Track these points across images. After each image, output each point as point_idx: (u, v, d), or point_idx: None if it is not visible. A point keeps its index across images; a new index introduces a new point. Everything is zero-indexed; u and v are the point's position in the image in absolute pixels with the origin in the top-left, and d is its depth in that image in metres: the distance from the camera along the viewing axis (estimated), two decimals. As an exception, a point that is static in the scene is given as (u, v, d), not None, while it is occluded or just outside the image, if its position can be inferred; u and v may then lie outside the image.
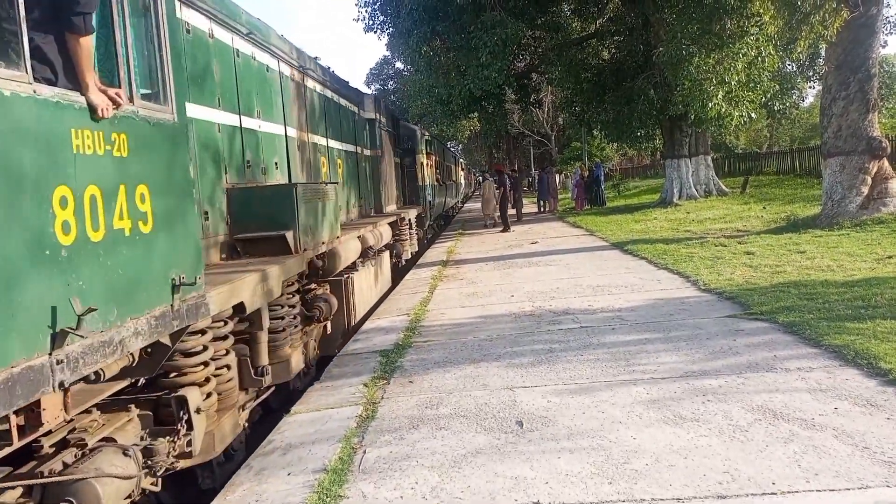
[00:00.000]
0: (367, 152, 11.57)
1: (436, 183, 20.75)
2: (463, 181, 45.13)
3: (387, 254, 10.74)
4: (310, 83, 8.22)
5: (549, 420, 4.17)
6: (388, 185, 13.27)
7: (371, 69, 65.69)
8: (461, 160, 50.20)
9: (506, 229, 19.07)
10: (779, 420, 3.83)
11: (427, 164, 18.35)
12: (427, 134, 20.31)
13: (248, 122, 5.95)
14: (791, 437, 3.59)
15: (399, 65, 58.24)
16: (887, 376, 4.30)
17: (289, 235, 5.49)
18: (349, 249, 7.27)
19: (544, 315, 7.25)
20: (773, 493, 3.02)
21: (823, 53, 15.92)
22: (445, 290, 9.72)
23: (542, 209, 26.94)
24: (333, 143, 9.20)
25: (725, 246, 11.07)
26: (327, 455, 3.95)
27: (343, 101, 10.19)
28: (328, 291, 6.88)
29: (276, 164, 6.63)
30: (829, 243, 10.26)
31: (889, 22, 25.87)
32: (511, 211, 20.80)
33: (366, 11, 23.03)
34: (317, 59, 8.87)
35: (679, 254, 10.61)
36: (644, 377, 4.81)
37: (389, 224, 10.92)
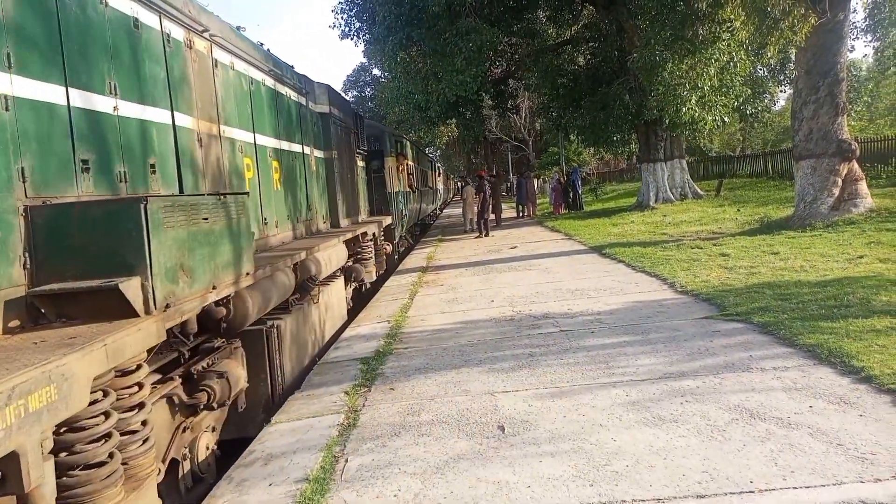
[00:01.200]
0: (317, 153, 9.40)
1: (409, 189, 19.12)
2: (442, 187, 44.82)
3: (340, 281, 8.79)
4: (223, 56, 6.17)
5: (531, 424, 4.19)
6: (348, 192, 11.00)
7: (348, 76, 65.62)
8: (439, 166, 48.47)
9: (485, 234, 19.13)
10: (755, 419, 3.89)
11: (398, 169, 16.92)
12: (400, 135, 19.38)
13: (89, 100, 3.91)
14: (768, 436, 3.64)
15: (376, 71, 58.32)
16: (860, 374, 4.39)
17: (129, 286, 3.22)
18: (271, 288, 5.42)
19: (524, 319, 7.29)
20: (750, 492, 3.07)
21: (794, 58, 16.22)
22: (426, 296, 9.72)
23: (520, 214, 27.07)
24: (265, 140, 7.16)
25: (701, 248, 11.22)
26: (309, 464, 3.93)
27: (284, 89, 8.07)
28: (234, 352, 4.94)
29: (152, 166, 4.55)
30: (802, 244, 10.44)
31: (856, 27, 26.44)
32: (490, 216, 20.81)
33: (342, 18, 23.01)
34: (240, 29, 7.02)
35: (656, 256, 10.73)
36: (623, 379, 4.86)
37: (347, 241, 9.12)
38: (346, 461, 3.94)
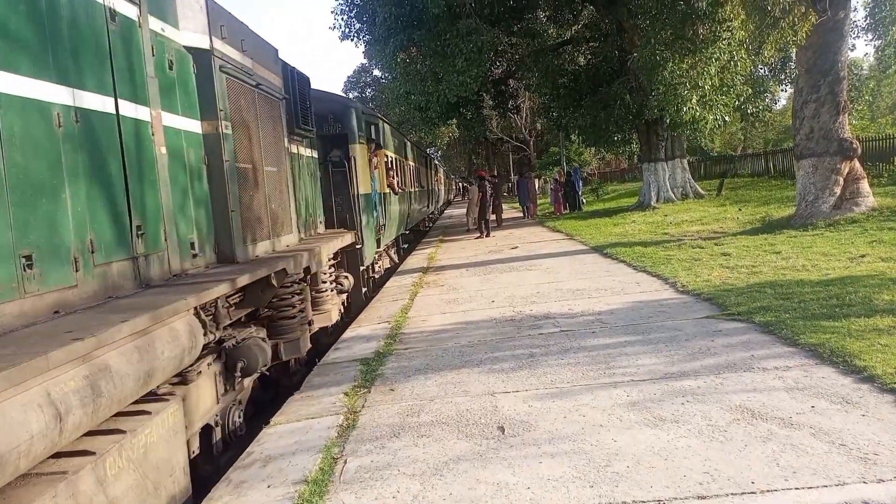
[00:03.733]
0: (177, 121, 5.01)
1: (392, 190, 14.01)
2: (443, 188, 44.43)
3: (196, 391, 4.37)
4: None
5: (531, 425, 4.16)
6: (268, 198, 6.49)
7: (349, 77, 65.64)
8: (437, 163, 42.16)
9: (486, 235, 19.09)
10: (757, 419, 3.86)
11: (373, 163, 11.66)
12: (376, 115, 13.53)
13: None
14: (769, 437, 3.62)
15: (377, 72, 58.32)
16: (862, 374, 4.36)
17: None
18: None
19: (525, 320, 7.26)
20: (752, 493, 3.04)
21: (794, 57, 16.19)
22: (426, 296, 9.70)
23: (524, 215, 27.04)
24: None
25: (702, 248, 11.19)
26: (308, 466, 3.91)
27: None
28: None
29: None
30: (804, 243, 10.41)
31: (856, 26, 26.39)
32: (491, 216, 20.77)
33: (342, 19, 22.99)
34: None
35: (657, 256, 10.71)
36: (624, 380, 4.83)
37: (205, 307, 4.39)
38: (345, 462, 3.91)
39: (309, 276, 6.71)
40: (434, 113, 23.07)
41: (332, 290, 7.90)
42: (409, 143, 21.18)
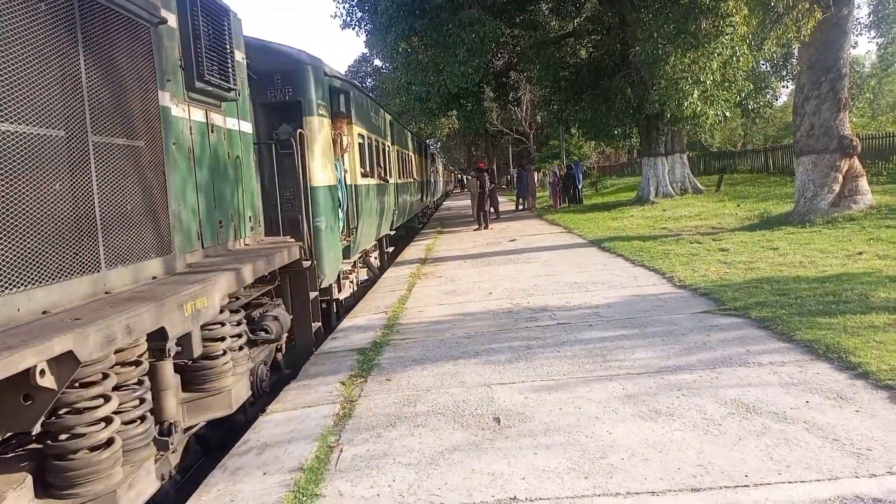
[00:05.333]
0: None
1: (371, 181, 11.09)
2: (441, 180, 44.08)
3: None
4: None
5: (526, 416, 4.18)
6: (126, 195, 3.76)
7: (349, 66, 65.41)
8: (434, 152, 38.53)
9: (483, 227, 19.07)
10: (751, 414, 3.88)
11: (341, 144, 8.80)
12: (348, 82, 9.87)
13: None
14: (763, 431, 3.64)
15: (378, 62, 58.14)
16: (856, 370, 4.38)
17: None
18: None
19: (522, 312, 7.28)
20: (745, 486, 3.06)
21: (796, 53, 16.16)
22: (423, 287, 9.71)
23: (519, 207, 27.03)
24: None
25: (700, 243, 11.20)
26: (304, 454, 3.93)
27: None
28: None
29: None
30: (802, 240, 10.42)
31: (859, 23, 26.33)
32: (490, 209, 20.72)
33: (343, 8, 22.91)
34: None
35: (655, 251, 10.72)
36: (620, 373, 4.85)
37: None
38: (341, 451, 3.93)
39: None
40: (434, 104, 23.01)
41: (240, 349, 4.86)
42: (399, 126, 18.10)
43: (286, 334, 6.14)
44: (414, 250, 15.57)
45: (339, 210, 8.59)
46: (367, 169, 10.82)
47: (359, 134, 10.23)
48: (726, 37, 16.20)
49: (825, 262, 8.41)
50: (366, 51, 60.72)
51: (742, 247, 10.34)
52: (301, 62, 7.84)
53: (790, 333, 5.32)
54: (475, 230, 18.93)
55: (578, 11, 25.65)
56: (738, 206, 17.32)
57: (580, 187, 26.63)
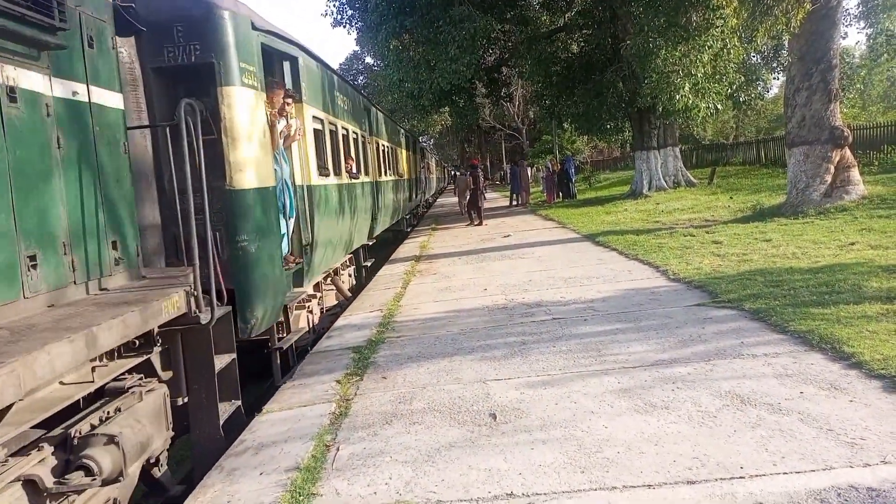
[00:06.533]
0: None
1: (335, 180, 8.74)
2: (434, 177, 44.01)
3: None
4: None
5: (523, 412, 4.18)
6: None
7: (341, 64, 65.23)
8: (427, 149, 38.10)
9: (474, 223, 19.09)
10: (746, 405, 3.89)
11: (285, 128, 6.56)
12: (294, 44, 7.18)
13: None
14: (758, 422, 3.65)
15: (369, 60, 58.02)
16: (850, 360, 4.40)
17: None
18: None
19: (517, 308, 7.28)
20: (741, 477, 3.07)
21: (787, 45, 16.22)
22: (419, 284, 9.70)
23: (513, 203, 27.04)
24: None
25: (694, 236, 11.23)
26: (300, 453, 3.92)
27: None
28: None
29: None
30: (794, 231, 10.46)
31: (849, 14, 26.43)
32: (483, 204, 20.70)
33: (334, 6, 22.86)
34: None
35: (649, 244, 10.74)
36: (615, 367, 4.86)
37: None
38: (338, 450, 3.93)
39: None
40: (426, 101, 22.98)
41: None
42: (379, 114, 15.51)
43: (169, 433, 3.97)
44: (408, 247, 15.56)
45: (283, 221, 6.31)
46: (329, 164, 8.44)
47: (314, 117, 7.85)
48: (717, 29, 16.24)
49: (818, 252, 8.44)
50: (357, 48, 60.58)
51: (735, 239, 10.38)
52: (213, 5, 5.36)
53: (784, 325, 5.33)
54: (467, 226, 18.97)
55: (569, 6, 25.65)
56: (731, 198, 17.38)
57: (573, 182, 26.65)
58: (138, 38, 4.93)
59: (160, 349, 3.92)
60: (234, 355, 4.76)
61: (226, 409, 4.63)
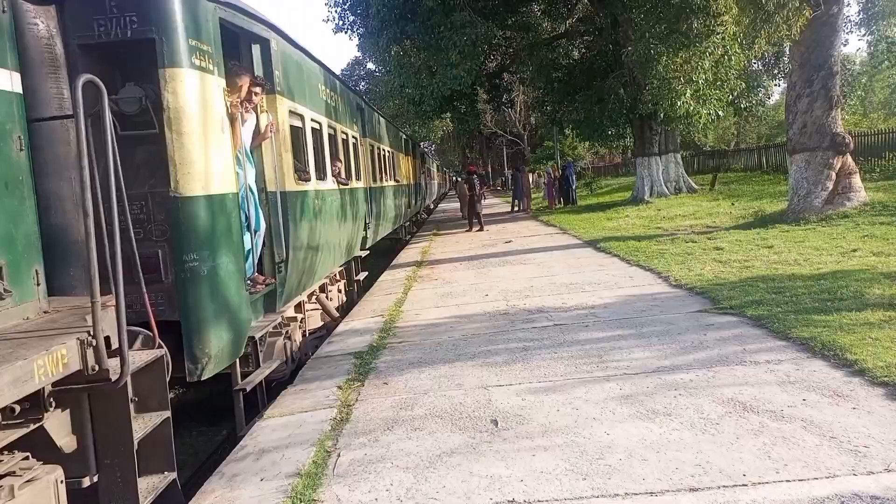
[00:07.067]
0: None
1: (316, 185, 7.56)
2: (435, 182, 44.00)
3: None
4: None
5: (524, 418, 4.17)
6: None
7: (342, 70, 65.35)
8: (428, 155, 37.47)
9: (473, 229, 19.10)
10: (749, 412, 3.88)
11: (253, 123, 5.69)
12: (265, 23, 6.01)
13: None
14: (761, 429, 3.64)
15: (371, 65, 58.12)
16: (853, 367, 4.39)
17: None
18: None
19: (518, 313, 7.27)
20: (744, 485, 3.06)
21: (787, 52, 16.23)
22: (420, 290, 9.70)
23: (515, 208, 27.03)
24: None
25: (695, 242, 11.22)
26: (301, 459, 3.91)
27: None
28: None
29: None
30: (796, 238, 10.46)
31: (850, 21, 26.46)
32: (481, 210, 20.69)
33: (335, 11, 22.91)
34: None
35: (650, 250, 10.73)
36: (617, 373, 4.85)
37: None
38: (339, 456, 3.92)
39: None
40: (428, 106, 22.97)
41: None
42: (373, 113, 14.55)
43: None
44: (410, 253, 15.56)
45: (249, 235, 5.42)
46: (310, 168, 7.39)
47: (292, 112, 6.76)
48: (718, 36, 16.24)
49: (820, 259, 8.43)
50: (359, 54, 60.72)
51: (737, 245, 10.37)
52: None
53: (786, 331, 5.32)
54: (466, 231, 19.01)
55: (570, 12, 25.71)
56: (733, 204, 17.37)
57: (574, 188, 26.65)
58: (60, 9, 4.01)
59: (59, 412, 2.93)
60: (167, 413, 3.47)
61: (154, 486, 3.34)
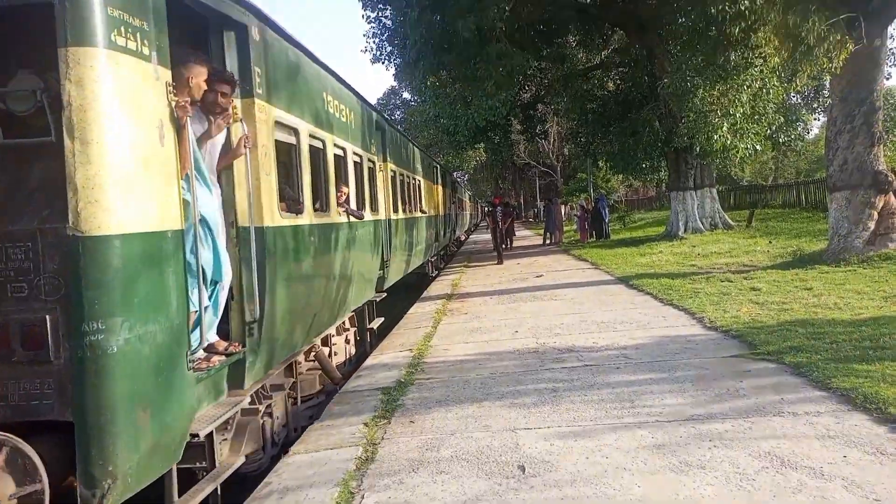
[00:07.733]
0: None
1: (312, 219, 6.03)
2: (468, 213, 43.87)
3: None
4: None
5: (552, 465, 4.08)
6: None
7: (378, 99, 66.39)
8: (459, 184, 37.27)
9: (498, 262, 19.04)
10: (787, 468, 3.74)
11: (225, 137, 4.46)
12: (251, 7, 4.64)
13: None
14: (800, 488, 3.49)
15: (406, 95, 58.97)
16: (897, 423, 4.21)
17: None
18: None
19: (548, 352, 7.17)
20: (781, 549, 2.93)
21: (828, 86, 15.98)
22: (449, 324, 9.65)
23: (547, 241, 26.89)
24: None
25: (731, 281, 10.98)
26: (325, 499, 3.88)
27: None
28: None
29: None
30: (836, 280, 10.17)
31: (893, 54, 26.02)
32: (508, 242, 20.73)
33: (373, 42, 23.32)
34: None
35: (685, 289, 10.53)
36: (649, 420, 4.73)
37: None
38: (363, 497, 3.87)
39: None
40: (462, 136, 23.20)
41: None
42: (396, 135, 12.95)
43: None
44: (440, 286, 15.54)
45: (200, 289, 3.89)
46: (304, 197, 5.88)
47: (280, 123, 5.32)
48: (756, 69, 16.12)
49: (861, 304, 8.17)
50: (395, 84, 61.67)
51: (774, 286, 10.12)
52: None
53: (826, 381, 5.14)
54: (496, 264, 18.91)
55: (606, 44, 25.78)
56: (770, 242, 17.01)
57: (607, 221, 26.44)
58: None
59: None
60: None
61: None
